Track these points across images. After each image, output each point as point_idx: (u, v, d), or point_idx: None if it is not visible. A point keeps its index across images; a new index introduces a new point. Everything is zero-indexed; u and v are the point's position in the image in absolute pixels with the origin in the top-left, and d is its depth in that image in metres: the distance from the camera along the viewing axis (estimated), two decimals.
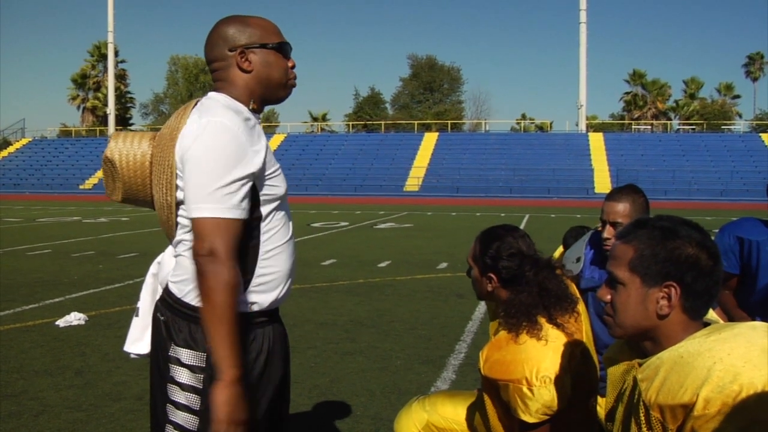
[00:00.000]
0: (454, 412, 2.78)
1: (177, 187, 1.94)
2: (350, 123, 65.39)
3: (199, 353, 1.91)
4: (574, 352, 2.26)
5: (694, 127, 57.79)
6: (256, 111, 2.04)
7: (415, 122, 59.71)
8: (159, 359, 1.97)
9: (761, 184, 32.39)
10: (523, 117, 74.32)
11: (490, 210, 28.29)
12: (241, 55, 1.99)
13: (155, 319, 2.02)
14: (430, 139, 50.01)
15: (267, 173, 1.93)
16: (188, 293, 1.94)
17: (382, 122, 60.82)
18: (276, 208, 1.99)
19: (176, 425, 1.92)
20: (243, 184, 1.85)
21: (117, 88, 60.90)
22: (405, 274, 10.15)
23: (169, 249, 2.10)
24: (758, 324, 1.58)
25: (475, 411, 2.66)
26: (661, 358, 1.58)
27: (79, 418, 4.19)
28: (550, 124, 64.78)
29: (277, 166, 2.00)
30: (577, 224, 4.46)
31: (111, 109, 57.16)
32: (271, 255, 1.98)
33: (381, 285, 9.21)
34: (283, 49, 2.04)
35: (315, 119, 70.40)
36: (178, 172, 1.92)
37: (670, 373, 1.52)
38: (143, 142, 2.10)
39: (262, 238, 1.96)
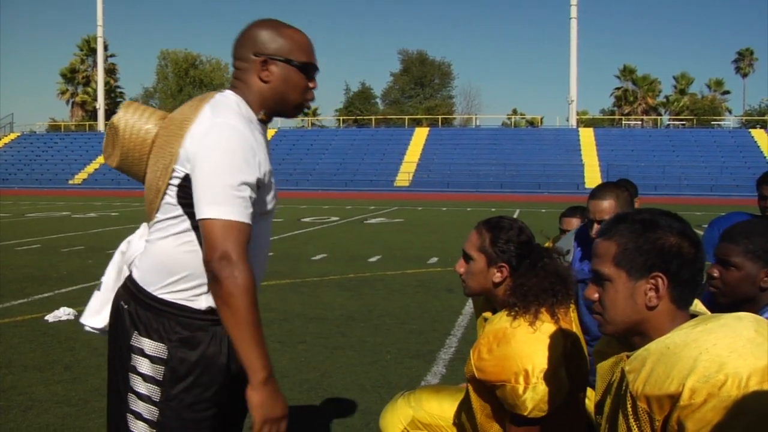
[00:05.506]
0: (439, 408, 2.77)
1: (171, 176, 1.90)
2: (341, 118, 65.39)
3: (161, 345, 1.90)
4: (566, 346, 2.25)
5: (684, 122, 58.02)
6: (263, 121, 2.01)
7: (406, 117, 59.70)
8: (121, 348, 1.96)
9: (751, 180, 32.47)
10: (514, 112, 74.55)
11: (481, 205, 28.33)
12: (263, 64, 1.95)
13: (118, 307, 2.00)
14: (420, 134, 50.04)
15: (264, 185, 1.91)
16: (151, 283, 1.93)
17: (373, 117, 60.85)
18: (260, 218, 1.95)
19: (137, 414, 1.92)
20: (251, 189, 1.84)
21: (106, 83, 60.62)
22: (395, 269, 10.16)
23: (140, 231, 2.08)
24: (744, 315, 1.59)
25: (461, 407, 2.65)
26: (648, 350, 1.58)
27: (69, 413, 4.17)
28: (541, 119, 64.77)
29: (272, 178, 1.97)
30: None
31: (100, 104, 56.91)
32: None
33: (371, 280, 9.22)
34: (307, 69, 2.00)
35: (306, 114, 70.20)
36: (176, 166, 1.89)
37: (657, 364, 1.53)
38: (152, 119, 2.08)
39: None
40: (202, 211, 1.80)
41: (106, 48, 60.51)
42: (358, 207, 26.64)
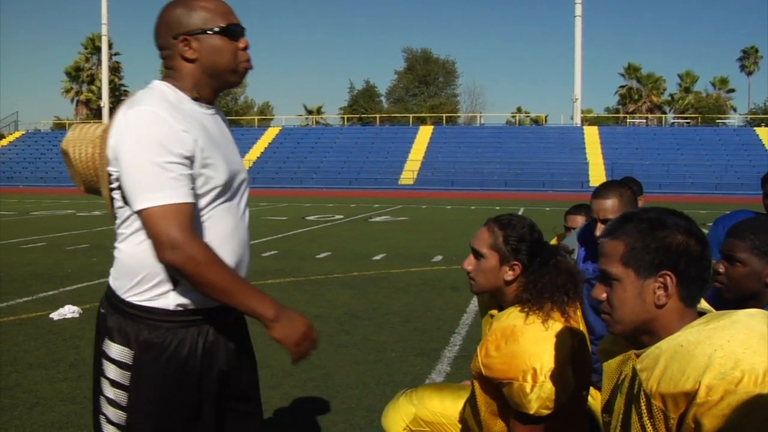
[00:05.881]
0: (441, 405, 2.76)
1: (109, 180, 1.89)
2: (345, 116, 65.38)
3: (127, 349, 1.88)
4: (574, 345, 2.26)
5: (688, 120, 57.90)
6: (200, 99, 1.94)
7: (410, 115, 59.69)
8: (97, 352, 1.96)
9: (755, 178, 32.43)
10: (519, 110, 74.44)
11: (485, 203, 28.31)
12: (184, 43, 1.89)
13: (98, 312, 2.01)
14: (425, 133, 50.00)
15: (199, 161, 1.84)
16: (120, 288, 1.92)
17: (377, 115, 60.82)
18: (214, 200, 1.91)
19: (108, 418, 1.92)
20: (181, 166, 1.79)
21: (111, 81, 60.71)
22: (400, 267, 10.15)
23: None
24: (755, 311, 1.59)
25: (465, 404, 2.65)
26: (660, 348, 1.59)
27: (74, 411, 4.18)
28: (545, 117, 64.94)
29: (216, 155, 1.89)
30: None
31: (105, 102, 56.96)
32: None
33: (376, 278, 9.21)
34: (230, 31, 1.91)
35: (310, 112, 70.33)
36: (110, 169, 1.87)
37: (671, 362, 1.53)
38: (96, 133, 2.03)
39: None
40: (135, 204, 1.78)
41: (110, 46, 60.60)
42: (362, 205, 26.63)
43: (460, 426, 2.69)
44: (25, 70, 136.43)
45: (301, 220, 19.15)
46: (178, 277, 1.84)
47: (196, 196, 1.86)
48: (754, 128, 49.09)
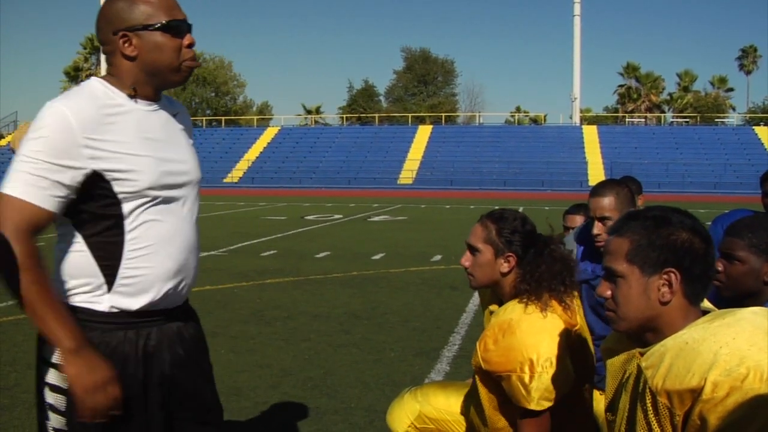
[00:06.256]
0: (446, 402, 2.77)
1: None
2: (344, 116, 65.44)
3: None
4: (570, 334, 2.28)
5: (687, 120, 57.97)
6: (138, 96, 1.86)
7: (409, 115, 59.72)
8: (37, 357, 1.90)
9: (754, 177, 32.42)
10: (518, 110, 74.42)
11: (484, 203, 28.29)
12: (124, 39, 1.80)
13: None
14: (424, 132, 50.01)
15: (115, 167, 1.76)
16: (57, 291, 1.85)
17: (376, 115, 60.84)
18: (148, 203, 1.82)
19: (51, 424, 1.86)
20: (58, 172, 1.71)
21: None
22: (399, 267, 10.15)
23: None
24: (759, 309, 1.61)
25: (469, 401, 2.66)
26: (665, 345, 1.59)
27: None
28: (544, 116, 64.97)
29: (142, 156, 1.80)
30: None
31: None
32: (140, 254, 1.82)
33: (375, 277, 9.21)
34: (172, 27, 1.81)
35: (309, 112, 70.33)
36: None
37: (676, 359, 1.54)
38: None
39: (127, 237, 1.81)
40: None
41: None
42: (361, 205, 26.63)
43: (464, 423, 2.70)
44: (24, 70, 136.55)
45: (300, 219, 19.14)
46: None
47: (123, 203, 1.79)
48: (753, 127, 49.14)
